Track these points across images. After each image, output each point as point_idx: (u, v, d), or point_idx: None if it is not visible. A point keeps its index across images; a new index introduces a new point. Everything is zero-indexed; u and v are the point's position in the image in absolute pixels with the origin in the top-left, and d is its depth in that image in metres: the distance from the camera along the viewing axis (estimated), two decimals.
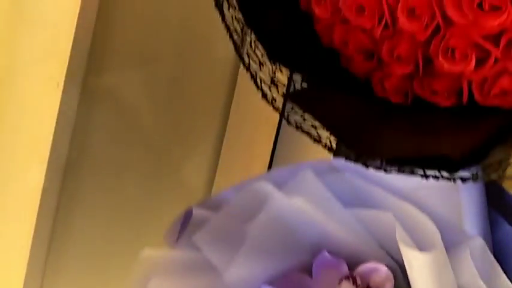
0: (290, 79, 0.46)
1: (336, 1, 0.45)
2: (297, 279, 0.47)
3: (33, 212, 0.60)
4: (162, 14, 0.58)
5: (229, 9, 0.47)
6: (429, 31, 0.41)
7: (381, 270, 0.44)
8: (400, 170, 0.39)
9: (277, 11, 0.49)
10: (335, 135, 0.43)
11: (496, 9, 0.38)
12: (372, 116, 0.44)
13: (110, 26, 0.55)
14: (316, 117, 0.44)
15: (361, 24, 0.44)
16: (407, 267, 0.42)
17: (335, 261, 0.45)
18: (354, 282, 0.45)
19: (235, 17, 0.47)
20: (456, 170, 0.39)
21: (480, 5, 0.38)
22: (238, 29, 0.47)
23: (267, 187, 0.45)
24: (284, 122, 0.44)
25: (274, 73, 0.47)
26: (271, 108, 0.44)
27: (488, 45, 0.39)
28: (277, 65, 0.47)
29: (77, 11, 0.51)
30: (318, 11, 0.47)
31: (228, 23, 0.46)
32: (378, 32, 0.43)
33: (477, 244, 0.44)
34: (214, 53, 0.55)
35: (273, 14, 0.49)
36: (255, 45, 0.48)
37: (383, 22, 0.43)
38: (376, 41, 0.44)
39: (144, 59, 0.58)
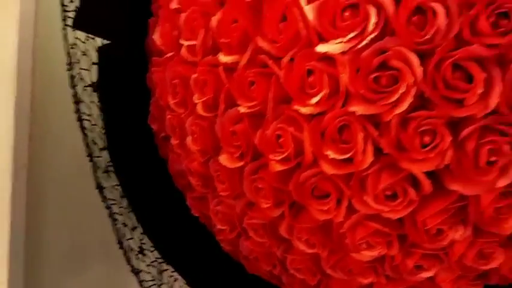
0: None
1: (236, 243, 0.51)
2: None
3: None
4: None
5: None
6: (316, 280, 0.48)
7: None
8: None
9: (195, 246, 0.55)
10: None
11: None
12: None
13: None
14: None
15: (261, 265, 0.50)
16: None
17: None
18: None
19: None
20: None
21: (350, 271, 0.45)
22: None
23: None
24: None
25: None
26: None
27: None
28: None
29: None
30: (225, 246, 0.53)
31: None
32: (276, 272, 0.50)
33: None
34: None
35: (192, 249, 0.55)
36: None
37: (278, 268, 0.49)
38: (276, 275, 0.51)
39: None
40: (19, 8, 0.55)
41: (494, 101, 0.35)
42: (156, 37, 0.49)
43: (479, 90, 0.35)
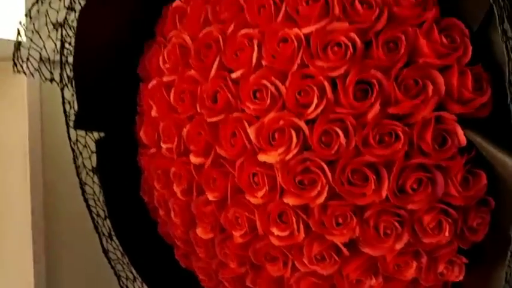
0: None
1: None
2: None
3: None
4: None
5: None
6: None
7: None
8: None
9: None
10: None
11: None
12: None
13: None
14: None
15: None
16: None
17: None
18: None
19: None
20: None
21: None
22: None
23: None
24: None
25: None
26: None
27: None
28: None
29: None
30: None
31: None
32: None
33: None
34: None
35: None
36: None
37: None
38: None
39: None
40: (27, 113, 0.68)
41: (384, 193, 0.49)
42: (142, 135, 0.63)
43: (373, 187, 0.48)
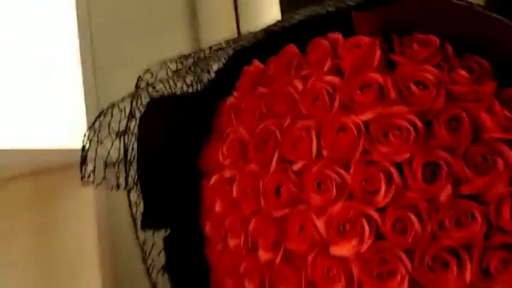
0: None
1: None
2: None
3: None
4: None
5: None
6: None
7: None
8: None
9: None
10: None
11: None
12: None
13: None
14: None
15: None
16: None
17: None
18: None
19: None
20: None
21: None
22: None
23: None
24: None
25: None
26: None
27: None
28: None
29: None
30: None
31: None
32: None
33: None
34: None
35: None
36: None
37: None
38: None
39: None
40: (95, 218, 0.71)
41: (468, 277, 0.47)
42: (208, 230, 0.63)
43: (455, 273, 0.46)
